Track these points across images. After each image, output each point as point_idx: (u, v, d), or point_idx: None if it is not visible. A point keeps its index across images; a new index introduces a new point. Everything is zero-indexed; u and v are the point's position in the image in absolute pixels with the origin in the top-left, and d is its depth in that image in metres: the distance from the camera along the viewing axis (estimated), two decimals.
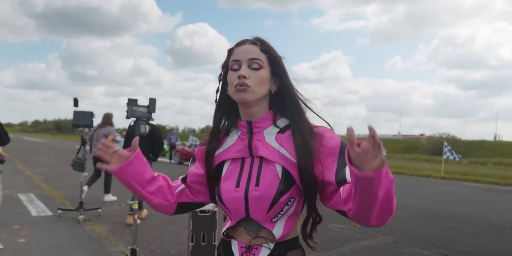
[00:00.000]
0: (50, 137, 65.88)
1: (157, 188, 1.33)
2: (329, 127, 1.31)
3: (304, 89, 1.34)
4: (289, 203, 1.20)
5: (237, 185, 1.23)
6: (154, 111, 4.15)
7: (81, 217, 5.91)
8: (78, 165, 6.32)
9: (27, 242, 4.70)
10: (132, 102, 4.03)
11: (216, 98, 1.37)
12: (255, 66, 1.23)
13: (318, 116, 1.33)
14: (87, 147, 6.82)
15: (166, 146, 21.64)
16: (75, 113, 5.99)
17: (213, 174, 1.31)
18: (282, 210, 1.19)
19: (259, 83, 1.23)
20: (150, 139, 5.69)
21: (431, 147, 37.00)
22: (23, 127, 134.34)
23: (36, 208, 6.83)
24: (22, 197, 7.82)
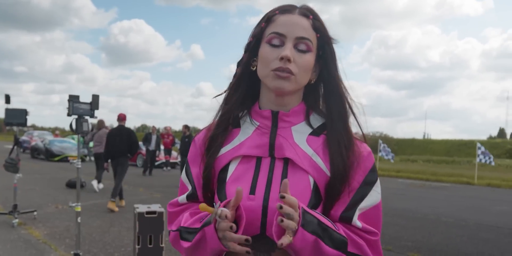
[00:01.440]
0: None
1: None
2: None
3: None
4: None
5: (252, 192, 0.90)
6: (97, 108, 3.74)
7: (15, 221, 5.30)
8: (12, 166, 5.64)
9: None
10: (73, 99, 3.58)
11: (236, 73, 1.02)
12: (303, 47, 0.91)
13: (359, 125, 1.01)
14: (19, 146, 6.21)
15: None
16: (7, 110, 5.41)
17: (214, 175, 0.97)
18: None
19: (304, 70, 0.92)
20: (128, 141, 6.72)
21: None
22: None
23: None
24: None
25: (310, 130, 0.96)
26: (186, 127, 11.54)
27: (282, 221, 0.76)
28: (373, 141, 34.43)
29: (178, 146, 13.68)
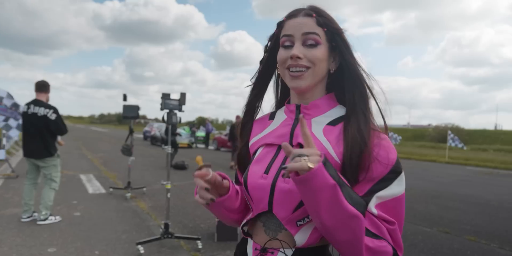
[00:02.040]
0: (112, 127, 68.38)
1: (241, 213, 1.05)
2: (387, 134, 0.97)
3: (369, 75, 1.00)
4: None
5: (266, 172, 0.96)
6: (184, 104, 4.24)
7: (128, 194, 6.14)
8: (126, 150, 6.56)
9: (81, 216, 4.94)
10: (165, 96, 4.14)
11: (256, 74, 1.09)
12: (311, 42, 0.95)
13: (381, 112, 0.99)
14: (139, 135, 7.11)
15: (203, 133, 22.24)
16: (124, 106, 6.21)
17: (247, 156, 1.06)
18: None
19: (316, 62, 0.95)
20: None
21: (437, 136, 36.57)
22: (91, 119, 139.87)
23: (93, 186, 7.13)
24: (82, 177, 8.20)
25: (328, 120, 0.98)
26: (238, 117, 12.26)
27: (285, 167, 0.75)
28: (444, 131, 31.64)
29: None
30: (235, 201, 0.99)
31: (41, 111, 4.46)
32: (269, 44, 1.06)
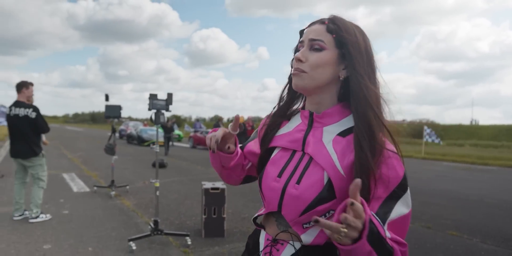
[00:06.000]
0: (87, 127, 66.42)
1: (235, 168, 1.13)
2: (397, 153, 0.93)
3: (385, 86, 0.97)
4: (327, 214, 0.90)
5: (279, 175, 0.98)
6: (171, 104, 4.20)
7: (112, 193, 6.02)
8: (110, 149, 6.43)
9: (70, 214, 4.81)
10: (153, 97, 4.08)
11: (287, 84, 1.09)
12: (316, 47, 0.94)
13: (387, 130, 0.94)
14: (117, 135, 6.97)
15: (179, 131, 22.04)
16: (107, 106, 6.04)
17: (264, 155, 1.07)
18: None
19: (316, 66, 0.94)
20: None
21: (412, 131, 37.01)
22: (66, 119, 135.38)
23: (77, 185, 6.94)
24: (65, 176, 7.95)
25: (340, 130, 0.96)
26: (168, 120, 13.56)
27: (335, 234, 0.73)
28: (419, 127, 32.31)
29: None
30: (231, 161, 1.08)
31: (21, 111, 4.33)
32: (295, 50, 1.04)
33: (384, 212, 0.86)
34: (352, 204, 0.70)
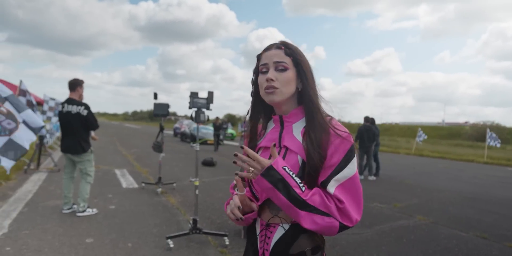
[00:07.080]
0: (144, 124, 69.67)
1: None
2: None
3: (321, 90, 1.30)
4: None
5: None
6: (212, 102, 4.15)
7: (159, 190, 6.16)
8: (157, 147, 6.56)
9: (116, 209, 4.97)
10: (193, 95, 4.06)
11: (251, 100, 1.35)
12: (281, 68, 1.20)
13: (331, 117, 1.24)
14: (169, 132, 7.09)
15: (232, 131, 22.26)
16: (155, 105, 6.17)
17: None
18: None
19: (285, 83, 1.20)
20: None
21: (475, 134, 33.79)
22: (125, 116, 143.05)
23: (127, 181, 7.20)
24: (117, 172, 8.31)
25: (304, 125, 1.23)
26: (217, 118, 13.15)
27: (236, 174, 1.14)
28: (482, 129, 29.30)
29: None
30: (256, 215, 1.26)
31: (74, 108, 4.52)
32: (253, 78, 1.31)
33: (332, 174, 1.12)
34: (242, 147, 1.14)
